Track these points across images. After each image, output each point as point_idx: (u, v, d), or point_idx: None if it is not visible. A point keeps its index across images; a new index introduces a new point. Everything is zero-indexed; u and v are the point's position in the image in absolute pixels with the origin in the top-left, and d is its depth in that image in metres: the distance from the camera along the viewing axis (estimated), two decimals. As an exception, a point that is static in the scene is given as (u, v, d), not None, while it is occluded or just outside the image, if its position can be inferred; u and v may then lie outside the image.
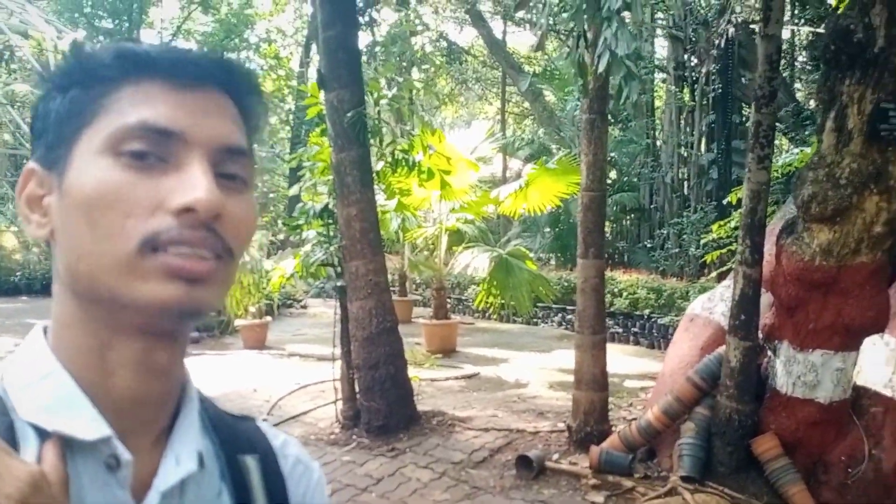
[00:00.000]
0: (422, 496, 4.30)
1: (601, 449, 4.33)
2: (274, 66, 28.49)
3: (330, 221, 5.37)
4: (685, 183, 16.23)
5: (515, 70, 19.61)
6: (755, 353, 4.01)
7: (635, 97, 3.46)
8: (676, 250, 14.52)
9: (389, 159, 5.34)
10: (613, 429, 4.74)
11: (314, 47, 25.10)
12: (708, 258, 7.41)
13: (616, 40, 3.21)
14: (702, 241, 13.55)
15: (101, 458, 0.54)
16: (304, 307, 13.15)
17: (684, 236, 14.36)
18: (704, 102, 14.78)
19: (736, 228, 6.37)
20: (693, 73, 15.60)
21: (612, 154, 17.00)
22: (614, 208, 16.60)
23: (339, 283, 5.33)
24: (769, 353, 4.12)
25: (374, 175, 5.34)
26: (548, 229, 16.79)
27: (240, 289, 9.05)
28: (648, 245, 15.74)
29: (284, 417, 5.85)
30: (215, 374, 7.61)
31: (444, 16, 21.91)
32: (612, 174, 17.15)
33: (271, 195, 24.07)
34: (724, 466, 4.04)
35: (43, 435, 0.54)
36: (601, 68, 3.40)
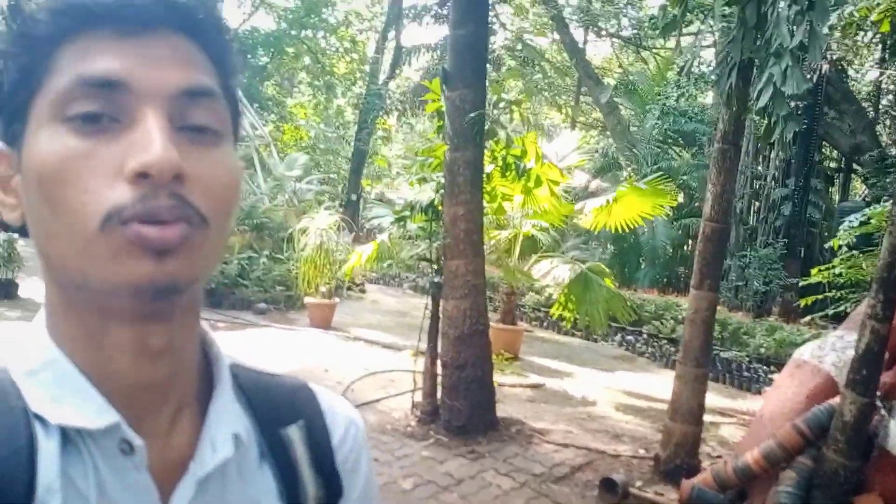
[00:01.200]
0: (503, 503, 4.29)
1: (692, 484, 4.25)
2: (348, 50, 28.75)
3: (434, 218, 5.38)
4: (755, 216, 15.91)
5: (593, 80, 19.41)
6: (871, 410, 3.88)
7: (790, 137, 3.38)
8: (741, 283, 14.23)
9: (501, 163, 5.32)
10: (703, 465, 4.66)
11: (391, 34, 25.26)
12: (802, 301, 7.24)
13: (784, 78, 3.13)
14: (775, 280, 13.26)
15: (115, 445, 0.52)
16: (363, 291, 13.25)
17: (750, 270, 14.07)
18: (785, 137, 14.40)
19: (839, 275, 6.20)
20: (756, 111, 15.24)
21: (684, 177, 16.76)
22: (678, 232, 16.37)
23: (435, 280, 5.34)
24: (883, 411, 3.99)
25: (483, 177, 5.34)
26: (610, 246, 16.64)
27: (313, 268, 9.16)
28: (710, 273, 15.44)
29: (357, 402, 5.89)
30: (285, 349, 7.72)
31: (527, 19, 21.80)
32: (681, 197, 16.92)
33: (332, 176, 24.30)
34: (821, 521, 3.93)
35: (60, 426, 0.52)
36: (761, 103, 3.32)
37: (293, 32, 26.14)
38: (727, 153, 4.41)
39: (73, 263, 0.50)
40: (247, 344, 7.74)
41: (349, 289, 12.76)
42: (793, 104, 15.31)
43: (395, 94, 24.01)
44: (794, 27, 3.05)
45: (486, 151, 5.34)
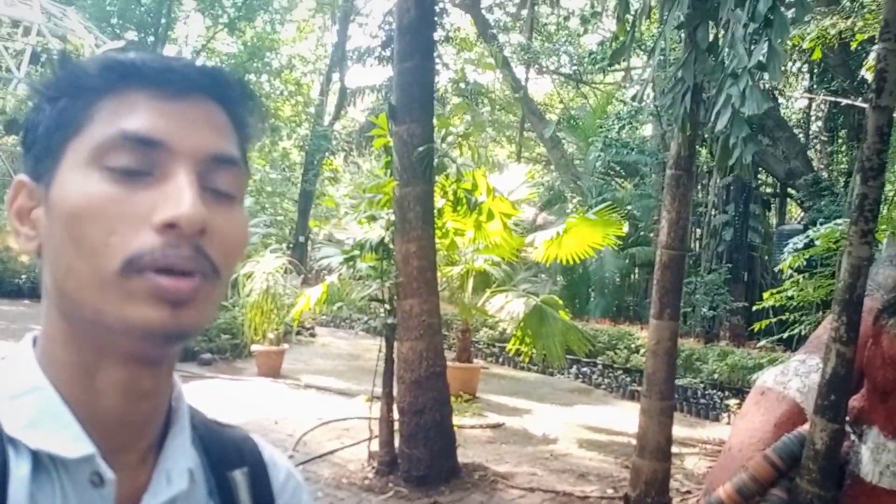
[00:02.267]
0: (471, 559, 4.04)
1: (666, 524, 4.07)
2: (293, 92, 28.62)
3: (385, 256, 5.17)
4: (698, 242, 16.23)
5: (536, 116, 19.70)
6: (842, 436, 3.79)
7: (749, 159, 3.32)
8: (688, 309, 14.37)
9: (452, 197, 5.17)
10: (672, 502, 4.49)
11: (335, 76, 25.26)
12: (757, 326, 7.24)
13: (743, 99, 3.07)
14: (721, 305, 13.42)
15: (86, 476, 0.53)
16: (313, 335, 12.87)
17: (696, 296, 14.23)
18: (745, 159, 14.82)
19: (791, 298, 6.21)
20: (711, 133, 15.70)
21: (628, 207, 17.00)
22: (626, 261, 16.53)
23: (388, 321, 5.11)
24: (853, 436, 3.91)
25: (435, 212, 5.17)
26: (559, 277, 16.67)
27: (260, 314, 8.81)
28: (659, 301, 15.59)
29: (311, 455, 5.58)
30: (232, 401, 7.32)
31: (466, 58, 22.10)
32: (626, 227, 17.13)
33: (279, 218, 23.88)
34: (799, 555, 3.79)
35: (33, 450, 0.52)
36: (720, 126, 3.26)
37: (236, 76, 25.88)
38: (681, 179, 4.35)
39: (90, 301, 0.52)
40: (192, 397, 7.29)
41: (298, 333, 12.38)
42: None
43: (342, 135, 23.92)
44: (752, 46, 3.01)
45: (435, 186, 5.19)
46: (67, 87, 0.56)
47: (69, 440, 0.53)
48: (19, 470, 0.51)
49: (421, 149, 4.75)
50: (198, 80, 0.56)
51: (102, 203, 0.52)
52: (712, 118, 3.31)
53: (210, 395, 7.54)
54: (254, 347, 9.00)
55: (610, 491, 5.04)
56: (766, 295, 6.53)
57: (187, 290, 0.52)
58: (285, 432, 6.21)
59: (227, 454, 0.66)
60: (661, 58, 4.15)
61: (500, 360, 11.76)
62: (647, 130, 19.62)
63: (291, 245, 21.34)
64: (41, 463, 0.52)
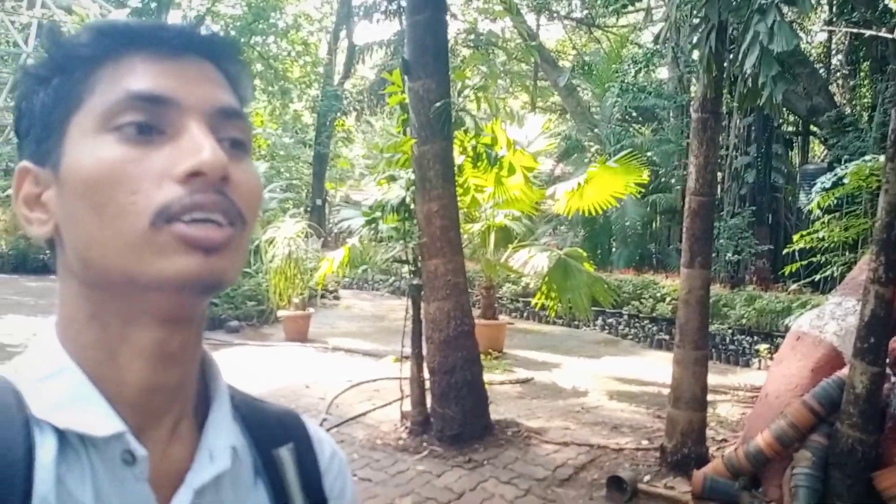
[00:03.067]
0: (509, 515, 4.05)
1: (704, 474, 4.05)
2: (301, 53, 28.22)
3: (407, 217, 5.10)
4: (720, 186, 15.91)
5: (550, 64, 19.27)
6: (882, 379, 3.72)
7: (779, 98, 3.17)
8: (713, 255, 14.19)
9: (471, 153, 5.05)
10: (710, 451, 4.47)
11: (342, 34, 24.84)
12: (787, 269, 7.10)
13: (771, 35, 2.91)
14: (746, 249, 13.22)
15: (117, 454, 0.53)
16: (337, 298, 12.92)
17: (720, 240, 14.04)
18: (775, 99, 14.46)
19: (822, 239, 6.06)
20: (739, 68, 15.27)
21: (648, 153, 16.68)
22: (647, 209, 16.29)
23: (414, 282, 5.06)
24: (893, 379, 3.83)
25: (455, 169, 5.06)
26: (580, 229, 16.50)
27: (284, 279, 8.82)
28: (680, 248, 15.43)
29: (344, 418, 5.61)
30: (263, 366, 7.39)
31: (475, 7, 21.56)
32: (644, 174, 16.83)
33: (295, 182, 23.80)
34: (841, 500, 3.75)
35: (60, 431, 0.52)
36: (748, 65, 3.10)
37: (242, 40, 25.57)
38: (707, 122, 4.20)
39: (118, 264, 0.52)
40: (223, 365, 7.37)
41: (322, 297, 12.45)
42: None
43: (352, 94, 23.62)
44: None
45: (454, 142, 5.07)
46: (61, 62, 0.55)
47: (98, 419, 0.52)
48: (45, 452, 0.51)
49: (438, 104, 4.62)
50: (192, 40, 0.57)
51: (120, 164, 0.51)
52: (739, 57, 3.15)
53: (240, 361, 7.61)
54: (280, 313, 9.04)
55: (645, 442, 5.02)
56: (795, 237, 6.39)
57: (219, 236, 0.52)
58: (317, 396, 6.25)
59: (271, 431, 0.66)
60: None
61: (525, 314, 11.75)
62: (664, 73, 19.12)
63: (308, 209, 21.33)
64: (70, 444, 0.52)
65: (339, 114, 23.51)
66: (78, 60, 0.55)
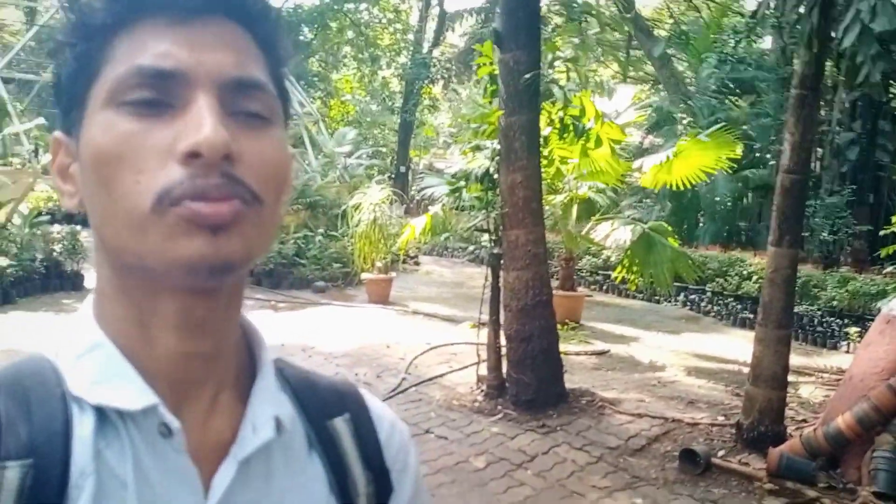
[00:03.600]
0: (580, 479, 4.16)
1: (781, 452, 4.04)
2: (392, 20, 28.41)
3: (490, 187, 5.20)
4: (819, 163, 15.11)
5: (644, 34, 18.67)
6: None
7: (878, 77, 3.07)
8: (806, 234, 13.59)
9: (558, 125, 5.08)
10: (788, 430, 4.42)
11: (434, 1, 24.81)
12: (883, 251, 6.80)
13: (873, 14, 2.81)
14: (843, 229, 12.61)
15: (154, 427, 0.52)
16: (417, 264, 13.20)
17: (816, 219, 13.42)
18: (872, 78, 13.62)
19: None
20: (838, 46, 14.40)
21: (744, 127, 16.02)
22: (739, 184, 15.70)
23: (495, 251, 5.18)
24: None
25: (541, 141, 5.11)
26: (666, 202, 16.11)
27: (368, 243, 9.11)
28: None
29: (422, 378, 5.84)
30: (346, 326, 7.72)
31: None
32: (738, 149, 16.18)
33: (381, 149, 24.19)
34: (922, 486, 3.68)
35: (98, 408, 0.52)
36: (847, 43, 3.01)
37: (335, 7, 25.96)
38: (805, 99, 4.08)
39: (129, 244, 0.51)
40: (309, 322, 7.78)
41: (403, 262, 12.74)
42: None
43: (441, 62, 23.63)
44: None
45: (541, 113, 5.11)
46: (79, 29, 0.53)
47: (132, 393, 0.52)
48: (83, 428, 0.51)
49: (527, 76, 4.66)
50: (213, 1, 0.53)
51: (126, 140, 0.50)
52: (840, 34, 3.06)
53: (325, 320, 7.98)
54: (363, 275, 9.36)
55: (721, 418, 5.01)
56: (894, 218, 6.09)
57: (225, 213, 0.49)
58: (397, 356, 6.51)
59: (323, 402, 0.64)
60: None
61: (604, 287, 11.68)
62: (766, 44, 18.21)
63: (392, 175, 21.66)
64: (108, 419, 0.52)
65: (426, 81, 23.60)
66: (94, 28, 0.53)
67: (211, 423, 0.56)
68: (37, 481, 0.49)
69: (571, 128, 5.13)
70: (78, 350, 0.55)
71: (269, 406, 0.58)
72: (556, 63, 5.05)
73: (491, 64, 5.07)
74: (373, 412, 0.67)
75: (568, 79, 5.13)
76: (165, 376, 0.54)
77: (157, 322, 0.54)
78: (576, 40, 5.03)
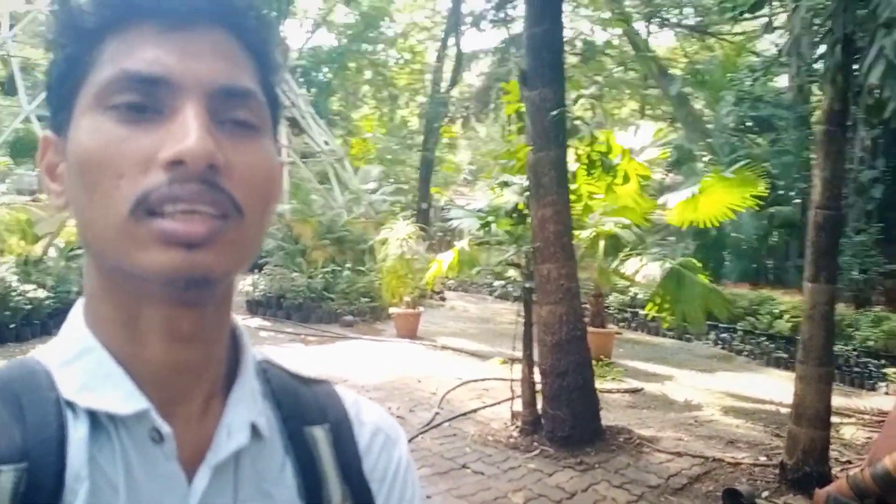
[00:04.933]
0: (621, 519, 4.09)
1: (828, 493, 3.92)
2: (409, 61, 28.94)
3: (519, 221, 5.23)
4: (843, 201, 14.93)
5: (660, 72, 18.85)
6: None
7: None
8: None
9: (586, 161, 5.13)
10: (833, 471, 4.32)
11: (451, 41, 25.25)
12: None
13: (896, 51, 2.84)
14: (873, 268, 12.46)
15: (145, 432, 0.52)
16: (443, 299, 13.20)
17: (844, 258, 13.28)
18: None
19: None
20: (857, 81, 14.46)
21: (765, 164, 16.00)
22: (764, 222, 15.62)
23: (526, 285, 5.18)
24: None
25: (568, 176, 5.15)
26: (690, 240, 16.03)
27: (396, 278, 9.15)
28: (800, 264, 14.70)
29: (455, 413, 5.79)
30: (376, 360, 7.71)
31: (582, 15, 21.39)
32: (762, 186, 16.11)
33: (403, 186, 24.42)
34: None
35: (91, 413, 0.52)
36: (873, 79, 3.03)
37: (354, 48, 26.53)
38: (834, 135, 4.08)
39: (109, 249, 0.51)
40: (340, 356, 7.79)
41: (429, 297, 12.75)
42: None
43: (459, 101, 23.96)
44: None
45: (568, 150, 5.16)
46: (69, 31, 0.53)
47: (122, 397, 0.52)
48: (77, 432, 0.51)
49: (554, 112, 4.72)
50: (203, 8, 0.53)
51: (110, 145, 0.50)
52: (864, 70, 3.08)
53: (355, 354, 7.98)
54: (392, 310, 9.38)
55: (763, 458, 4.90)
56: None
57: (200, 231, 0.49)
58: (428, 391, 6.47)
59: (302, 409, 0.63)
60: (808, 6, 3.85)
61: (633, 325, 11.59)
62: (783, 81, 18.29)
63: (414, 212, 21.81)
64: (100, 424, 0.52)
65: (445, 120, 23.91)
66: (83, 31, 0.53)
67: (202, 428, 0.56)
68: (31, 486, 0.48)
69: (599, 163, 5.17)
70: (69, 354, 0.55)
71: (246, 411, 0.57)
72: (581, 101, 5.12)
73: (518, 101, 5.14)
74: (354, 423, 0.65)
75: (593, 115, 5.19)
76: (156, 381, 0.54)
77: (144, 327, 0.53)
78: (599, 78, 5.06)
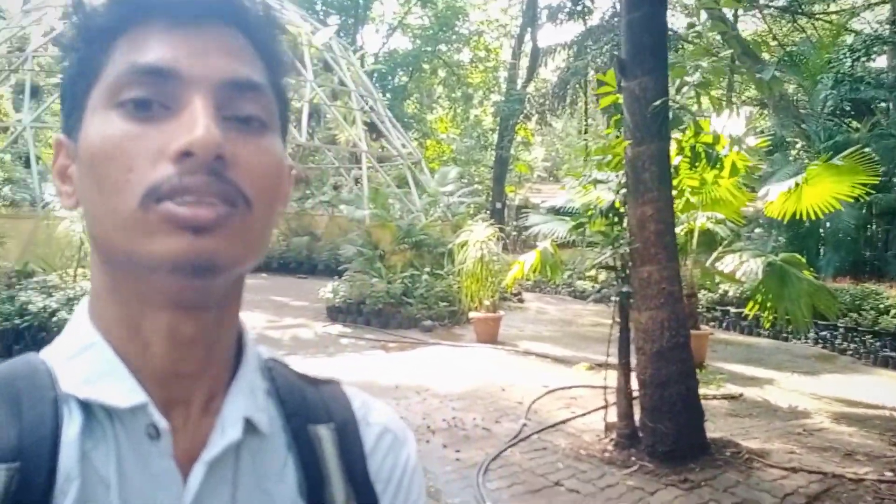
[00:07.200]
0: (736, 543, 3.75)
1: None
2: (482, 59, 28.77)
3: (615, 221, 4.92)
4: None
5: (750, 57, 17.95)
6: None
7: None
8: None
9: (689, 153, 4.77)
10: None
11: (526, 37, 24.92)
12: None
13: None
14: None
15: (141, 428, 0.52)
16: (521, 301, 12.93)
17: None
18: None
19: None
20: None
21: (865, 149, 14.98)
22: (861, 211, 14.61)
23: (623, 289, 4.87)
24: None
25: (671, 171, 4.81)
26: (777, 231, 15.15)
27: (475, 281, 8.96)
28: (900, 254, 13.69)
29: (543, 424, 5.53)
30: (457, 366, 7.53)
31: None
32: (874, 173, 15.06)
33: (477, 186, 24.27)
34: None
35: (87, 407, 0.52)
36: None
37: (429, 49, 26.57)
38: None
39: (119, 243, 0.51)
40: (420, 363, 7.65)
41: (507, 299, 12.52)
42: None
43: (535, 98, 23.61)
44: None
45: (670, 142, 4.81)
46: (82, 33, 0.54)
47: (122, 391, 0.52)
48: (71, 428, 0.51)
49: (656, 103, 4.40)
50: (212, 6, 0.54)
51: (120, 140, 0.50)
52: None
53: (436, 361, 7.82)
54: (471, 314, 9.19)
55: (889, 474, 4.44)
56: None
57: (207, 215, 0.49)
58: (514, 399, 6.24)
59: (307, 408, 0.62)
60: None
61: (725, 324, 11.01)
62: (881, 62, 17.11)
63: (489, 212, 21.64)
64: (96, 419, 0.52)
65: (521, 117, 23.63)
66: (97, 32, 0.54)
67: (201, 426, 0.55)
68: (22, 485, 0.48)
69: (703, 156, 4.80)
70: (72, 350, 0.55)
71: (241, 407, 0.56)
72: (685, 89, 4.75)
73: (614, 93, 4.83)
74: (360, 423, 0.64)
75: (699, 104, 4.82)
76: (157, 380, 0.54)
77: (147, 327, 0.54)
78: (703, 63, 4.69)
